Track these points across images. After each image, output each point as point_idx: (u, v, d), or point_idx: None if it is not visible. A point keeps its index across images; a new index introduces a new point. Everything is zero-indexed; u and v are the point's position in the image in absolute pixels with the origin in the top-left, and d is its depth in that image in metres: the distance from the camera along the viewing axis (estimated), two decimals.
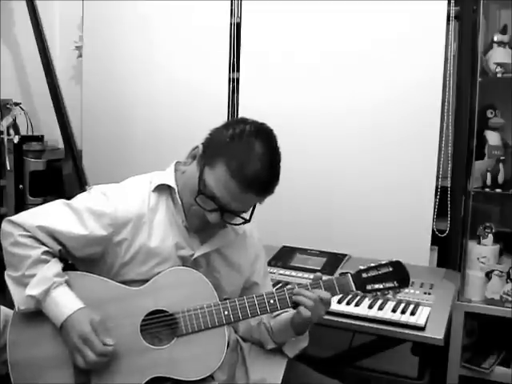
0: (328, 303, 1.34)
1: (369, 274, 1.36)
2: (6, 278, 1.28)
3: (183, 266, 1.34)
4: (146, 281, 1.32)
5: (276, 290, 1.37)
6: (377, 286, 1.36)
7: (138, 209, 1.32)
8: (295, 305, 1.34)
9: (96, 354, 1.21)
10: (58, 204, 1.34)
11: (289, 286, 1.37)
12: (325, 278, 1.38)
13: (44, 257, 1.27)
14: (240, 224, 1.35)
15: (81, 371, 1.25)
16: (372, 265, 1.38)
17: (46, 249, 1.28)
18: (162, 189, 1.35)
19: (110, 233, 1.29)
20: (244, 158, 1.22)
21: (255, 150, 1.24)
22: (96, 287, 1.30)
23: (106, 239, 1.30)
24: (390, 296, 1.40)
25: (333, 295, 1.36)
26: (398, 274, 1.37)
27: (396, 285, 1.36)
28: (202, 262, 1.38)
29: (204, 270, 1.37)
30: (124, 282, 1.32)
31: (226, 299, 1.40)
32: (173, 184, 1.35)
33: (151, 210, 1.33)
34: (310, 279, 1.92)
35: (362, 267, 1.38)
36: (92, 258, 1.33)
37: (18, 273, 1.27)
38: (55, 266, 1.28)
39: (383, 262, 1.38)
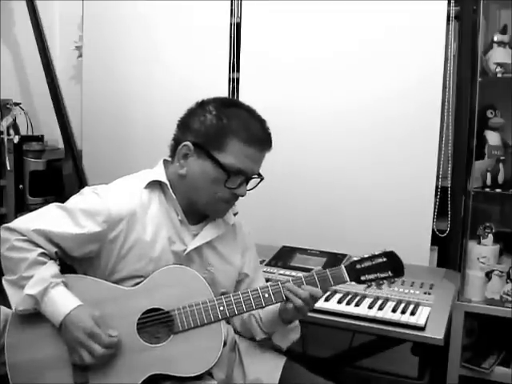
0: (318, 299, 1.36)
1: (363, 265, 1.37)
2: (4, 282, 1.30)
3: (177, 264, 1.36)
4: (142, 277, 1.33)
5: (270, 283, 1.37)
6: (371, 277, 1.37)
7: (130, 206, 1.33)
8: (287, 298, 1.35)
9: (102, 346, 1.22)
10: (52, 207, 1.36)
11: (283, 279, 1.37)
12: (318, 269, 1.39)
13: (41, 258, 1.28)
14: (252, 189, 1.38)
15: (79, 371, 1.26)
16: (365, 256, 1.38)
17: (43, 251, 1.29)
18: (154, 185, 1.38)
19: (104, 229, 1.30)
20: (245, 126, 1.33)
21: (244, 115, 1.36)
22: (92, 289, 1.31)
23: (101, 235, 1.31)
24: (384, 286, 1.40)
25: (328, 287, 1.38)
26: (392, 264, 1.38)
27: (390, 274, 1.37)
28: (194, 257, 1.40)
29: (197, 265, 1.39)
30: (120, 280, 1.33)
31: (222, 293, 1.41)
32: (164, 180, 1.37)
33: (144, 206, 1.35)
34: None
35: (355, 258, 1.38)
36: (88, 257, 1.34)
37: (15, 276, 1.28)
38: (52, 267, 1.29)
39: (377, 253, 1.39)
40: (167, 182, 1.37)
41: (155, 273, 1.33)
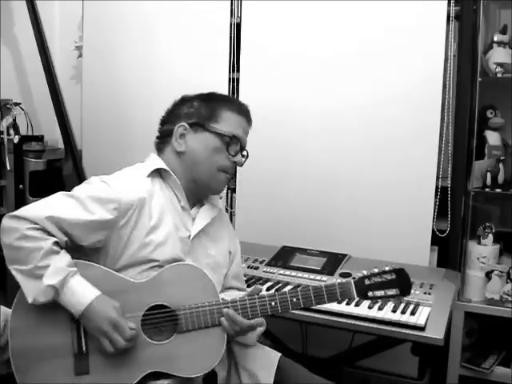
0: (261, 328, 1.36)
1: (371, 281, 1.35)
2: (15, 272, 1.25)
3: (185, 262, 1.37)
4: (148, 262, 1.33)
5: (278, 293, 1.37)
6: (378, 293, 1.35)
7: (139, 193, 1.36)
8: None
9: (125, 340, 1.23)
10: (60, 195, 1.35)
11: (290, 290, 1.37)
12: (328, 281, 1.37)
13: (55, 248, 1.26)
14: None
15: (80, 361, 1.26)
16: (375, 271, 1.36)
17: (56, 239, 1.27)
18: (154, 174, 1.42)
19: (115, 216, 1.32)
20: (231, 101, 1.50)
21: (225, 97, 1.56)
22: (100, 279, 1.30)
23: (111, 223, 1.32)
24: (391, 303, 1.38)
25: (334, 301, 1.36)
26: (400, 282, 1.35)
27: (398, 293, 1.35)
28: (196, 243, 1.42)
29: (201, 251, 1.43)
30: (127, 266, 1.33)
31: (227, 290, 1.43)
32: (165, 167, 1.42)
33: (149, 194, 1.38)
34: (310, 279, 1.95)
35: (364, 273, 1.36)
36: (96, 248, 1.34)
37: (28, 266, 1.24)
38: (66, 256, 1.28)
39: (386, 269, 1.36)
40: (168, 169, 1.41)
41: (164, 269, 1.33)
